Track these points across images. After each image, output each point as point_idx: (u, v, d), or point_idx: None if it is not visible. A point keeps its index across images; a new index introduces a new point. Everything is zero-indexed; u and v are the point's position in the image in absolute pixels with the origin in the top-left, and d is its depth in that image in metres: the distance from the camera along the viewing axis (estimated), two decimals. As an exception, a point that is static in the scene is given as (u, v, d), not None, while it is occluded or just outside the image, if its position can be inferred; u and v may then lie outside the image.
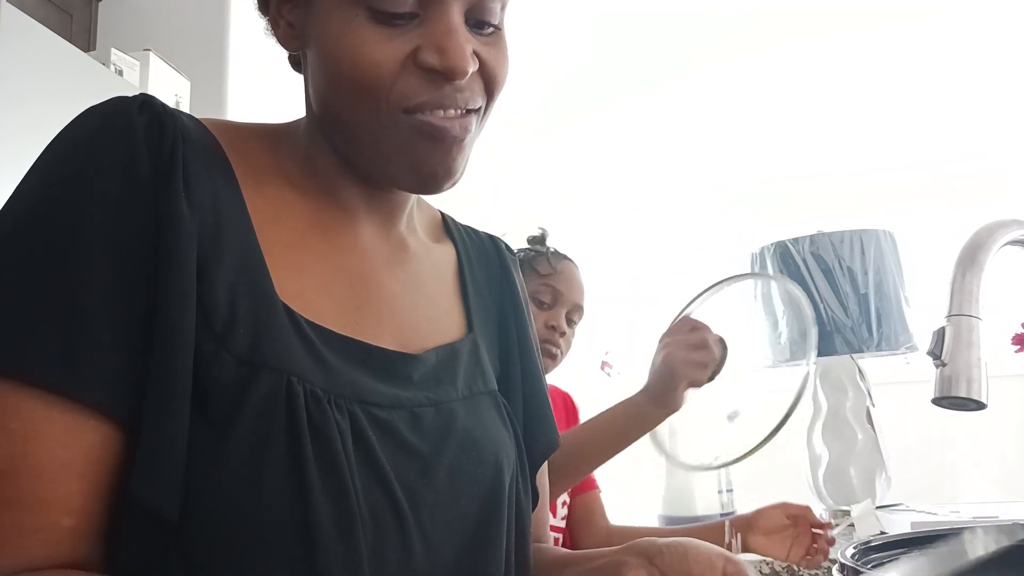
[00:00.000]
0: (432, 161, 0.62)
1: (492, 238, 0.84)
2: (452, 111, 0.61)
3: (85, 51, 2.14)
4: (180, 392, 0.52)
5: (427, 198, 0.76)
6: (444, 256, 0.76)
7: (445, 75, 0.59)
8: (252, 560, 0.52)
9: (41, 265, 0.52)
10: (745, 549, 1.29)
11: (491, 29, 0.63)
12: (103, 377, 0.51)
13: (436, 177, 0.63)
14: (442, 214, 0.82)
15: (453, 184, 0.65)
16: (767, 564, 1.44)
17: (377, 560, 0.56)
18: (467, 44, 0.60)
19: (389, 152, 0.62)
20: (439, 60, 0.59)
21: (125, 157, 0.56)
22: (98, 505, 0.52)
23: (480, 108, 0.64)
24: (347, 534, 0.54)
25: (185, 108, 2.35)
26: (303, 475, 0.53)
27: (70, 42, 2.01)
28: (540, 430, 0.78)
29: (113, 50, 2.17)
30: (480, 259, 0.80)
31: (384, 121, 0.60)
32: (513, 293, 0.80)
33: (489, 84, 0.64)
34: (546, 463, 0.83)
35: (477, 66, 0.62)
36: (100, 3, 2.56)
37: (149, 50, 2.25)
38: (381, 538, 0.56)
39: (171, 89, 2.30)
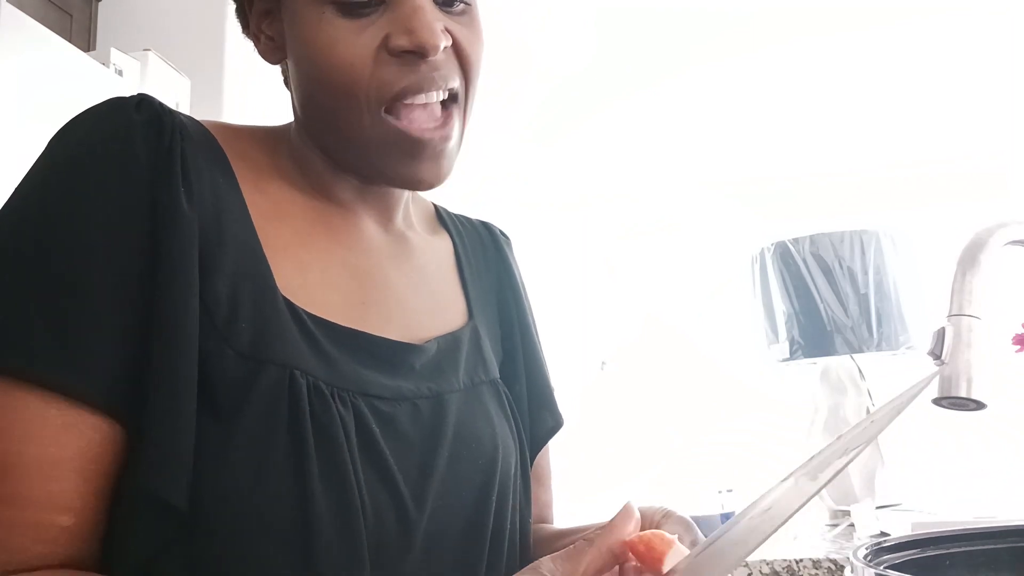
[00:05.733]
0: (418, 168, 0.63)
1: (485, 224, 0.85)
2: (432, 94, 0.61)
3: (85, 51, 2.13)
4: (185, 386, 0.52)
5: (423, 193, 0.76)
6: (442, 247, 0.77)
7: (417, 53, 0.59)
8: (255, 551, 0.52)
9: (39, 262, 0.52)
10: None
11: (461, 6, 0.63)
12: (101, 374, 0.51)
13: (424, 181, 0.64)
14: (435, 205, 0.82)
15: (442, 181, 0.65)
16: (767, 564, 1.44)
17: (379, 552, 0.56)
18: (436, 21, 0.60)
19: (375, 154, 0.63)
20: (409, 40, 0.59)
21: (123, 154, 0.56)
22: (97, 502, 0.52)
23: (458, 95, 0.64)
24: (347, 527, 0.55)
25: (185, 108, 2.35)
26: (305, 468, 0.54)
27: (70, 42, 2.01)
28: (543, 412, 0.78)
29: (113, 50, 2.16)
30: (475, 247, 0.80)
31: (366, 122, 0.61)
32: (510, 277, 0.81)
33: (464, 63, 0.64)
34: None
35: (449, 42, 0.62)
36: (100, 3, 2.56)
37: (149, 50, 2.24)
38: (383, 531, 0.57)
39: (171, 89, 2.29)
